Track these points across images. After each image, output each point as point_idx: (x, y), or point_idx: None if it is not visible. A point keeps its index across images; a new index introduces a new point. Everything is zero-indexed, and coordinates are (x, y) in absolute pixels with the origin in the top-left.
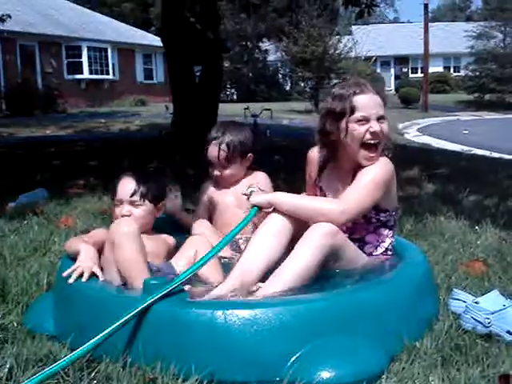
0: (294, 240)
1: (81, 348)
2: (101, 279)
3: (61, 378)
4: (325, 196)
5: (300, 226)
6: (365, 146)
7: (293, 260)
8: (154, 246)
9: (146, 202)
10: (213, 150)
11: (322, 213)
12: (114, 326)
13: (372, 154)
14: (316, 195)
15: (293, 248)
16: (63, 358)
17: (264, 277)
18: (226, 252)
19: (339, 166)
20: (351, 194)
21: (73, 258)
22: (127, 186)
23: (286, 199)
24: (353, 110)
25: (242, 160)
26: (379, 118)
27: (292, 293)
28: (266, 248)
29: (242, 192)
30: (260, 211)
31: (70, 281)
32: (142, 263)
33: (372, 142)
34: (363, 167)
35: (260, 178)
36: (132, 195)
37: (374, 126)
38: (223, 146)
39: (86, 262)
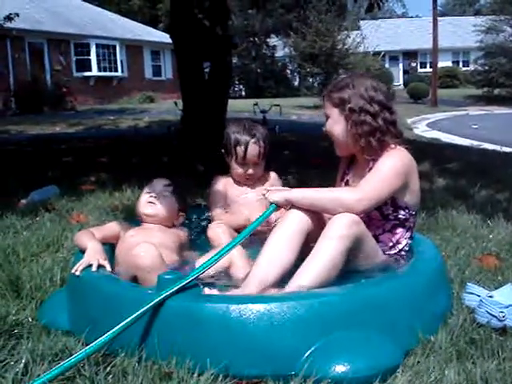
0: (310, 237)
1: (96, 342)
2: (107, 269)
3: (77, 372)
4: None
5: (316, 223)
6: None
7: (318, 253)
8: (163, 237)
9: (173, 199)
10: (254, 149)
11: (340, 201)
12: (128, 320)
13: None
14: None
15: (308, 247)
16: (78, 352)
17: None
18: None
19: (359, 159)
20: (368, 182)
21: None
22: (161, 181)
23: (303, 194)
24: None
25: (264, 158)
26: (325, 117)
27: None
28: (280, 254)
29: (262, 192)
30: (278, 209)
31: (77, 273)
32: None
33: None
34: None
35: (272, 178)
36: (165, 188)
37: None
38: (261, 144)
39: (93, 256)
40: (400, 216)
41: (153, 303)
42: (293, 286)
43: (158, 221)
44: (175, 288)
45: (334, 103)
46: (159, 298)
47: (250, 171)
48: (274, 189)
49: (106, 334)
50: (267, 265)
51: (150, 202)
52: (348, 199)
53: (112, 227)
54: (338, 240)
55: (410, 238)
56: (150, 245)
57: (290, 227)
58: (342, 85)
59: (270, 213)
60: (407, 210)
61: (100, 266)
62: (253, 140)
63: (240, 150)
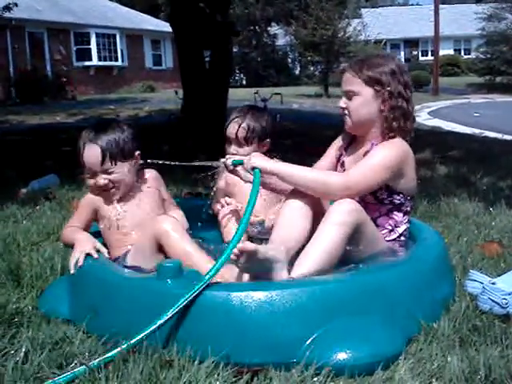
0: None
1: (120, 347)
2: (104, 252)
3: (77, 361)
4: (345, 171)
5: (314, 210)
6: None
7: (318, 239)
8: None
9: (119, 163)
10: (233, 127)
11: (325, 184)
12: (153, 326)
13: (345, 126)
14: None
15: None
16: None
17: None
18: None
19: (358, 143)
20: (357, 170)
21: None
22: (93, 154)
23: (287, 168)
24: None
25: (259, 144)
26: (346, 93)
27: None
28: (294, 226)
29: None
30: (262, 175)
31: (79, 264)
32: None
33: (342, 116)
34: (375, 146)
35: None
36: (102, 163)
37: (339, 102)
38: (244, 125)
39: (85, 243)
40: (395, 201)
41: (184, 301)
42: (294, 274)
43: (126, 189)
44: (202, 286)
45: (368, 82)
46: (186, 299)
47: (231, 151)
48: (258, 155)
49: (131, 341)
50: (286, 232)
51: (101, 187)
52: (334, 183)
53: (85, 207)
54: (339, 226)
55: (408, 222)
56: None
57: (296, 209)
58: (375, 64)
59: (259, 178)
60: (402, 195)
61: (97, 252)
62: (236, 119)
63: (225, 125)
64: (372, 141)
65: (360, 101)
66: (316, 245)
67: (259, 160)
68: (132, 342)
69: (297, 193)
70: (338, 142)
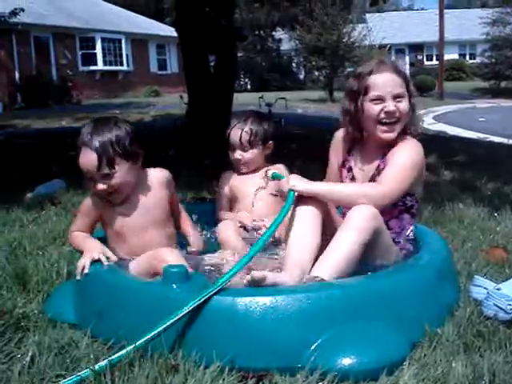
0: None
1: (126, 349)
2: (113, 259)
3: (83, 365)
4: (353, 177)
5: (324, 215)
6: (381, 124)
7: (337, 244)
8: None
9: (118, 165)
10: (235, 133)
11: (366, 196)
12: (159, 329)
13: (386, 128)
14: (341, 181)
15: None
16: (103, 361)
17: None
18: None
19: (367, 146)
20: (391, 177)
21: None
22: (88, 160)
23: (324, 186)
24: (367, 90)
25: (263, 147)
26: (396, 97)
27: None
28: (307, 245)
29: (262, 176)
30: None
31: (85, 271)
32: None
33: (387, 121)
34: (393, 147)
35: (278, 168)
36: (99, 169)
37: (389, 106)
38: (246, 129)
39: (94, 250)
40: (407, 202)
41: (186, 310)
42: (312, 277)
43: (128, 189)
44: (210, 292)
45: (406, 84)
46: (193, 304)
47: (236, 156)
48: (296, 176)
49: (134, 344)
50: (300, 249)
51: (102, 190)
52: (375, 195)
53: (89, 211)
54: (358, 232)
55: (413, 224)
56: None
57: (309, 215)
58: (399, 66)
59: (292, 200)
60: (413, 197)
61: (107, 258)
62: (238, 125)
63: (227, 133)
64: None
65: (406, 103)
66: (335, 250)
67: (297, 182)
68: (140, 342)
69: (303, 201)
70: (336, 150)
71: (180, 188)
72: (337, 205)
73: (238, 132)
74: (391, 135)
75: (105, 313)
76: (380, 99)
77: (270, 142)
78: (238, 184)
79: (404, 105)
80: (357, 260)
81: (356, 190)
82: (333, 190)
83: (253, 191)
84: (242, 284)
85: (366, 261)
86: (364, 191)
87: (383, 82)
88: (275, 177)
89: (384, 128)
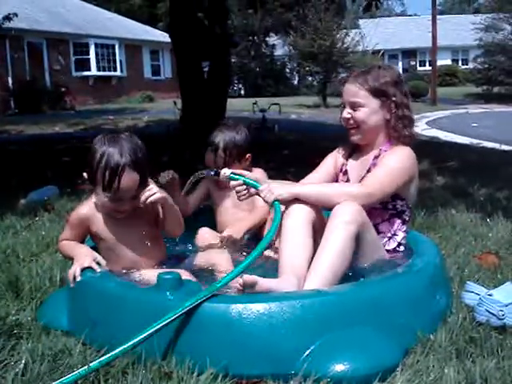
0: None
1: (112, 353)
2: (103, 265)
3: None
4: (348, 180)
5: (316, 215)
6: (347, 128)
7: (327, 243)
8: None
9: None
10: (209, 157)
11: (349, 195)
12: (145, 334)
13: (350, 132)
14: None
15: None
16: (93, 363)
17: None
18: None
19: (362, 151)
20: (375, 178)
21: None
22: (133, 181)
23: (310, 188)
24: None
25: (240, 161)
26: (352, 105)
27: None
28: (300, 244)
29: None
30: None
31: (77, 278)
32: None
33: (347, 126)
34: (385, 152)
35: (259, 172)
36: (136, 190)
37: (343, 113)
38: (219, 153)
39: (84, 257)
40: (397, 206)
41: (175, 316)
42: (309, 283)
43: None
44: (199, 300)
45: (374, 94)
46: (180, 311)
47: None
48: (277, 184)
49: (121, 347)
50: (295, 254)
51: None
52: (357, 194)
53: (78, 224)
54: (346, 226)
55: (406, 232)
56: None
57: (299, 218)
58: (380, 75)
59: (281, 212)
60: (404, 201)
61: (97, 264)
62: (210, 148)
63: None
64: (380, 147)
65: (366, 111)
66: (326, 250)
67: (280, 190)
68: (130, 343)
69: (292, 206)
70: (336, 155)
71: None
72: (321, 205)
73: (211, 156)
74: (354, 138)
75: (98, 320)
76: (343, 106)
77: (248, 154)
78: (217, 197)
79: (360, 114)
80: (350, 256)
81: (339, 189)
82: (316, 191)
83: (231, 206)
84: (235, 290)
85: (355, 258)
86: (347, 191)
87: (344, 90)
88: (232, 178)
89: (349, 132)
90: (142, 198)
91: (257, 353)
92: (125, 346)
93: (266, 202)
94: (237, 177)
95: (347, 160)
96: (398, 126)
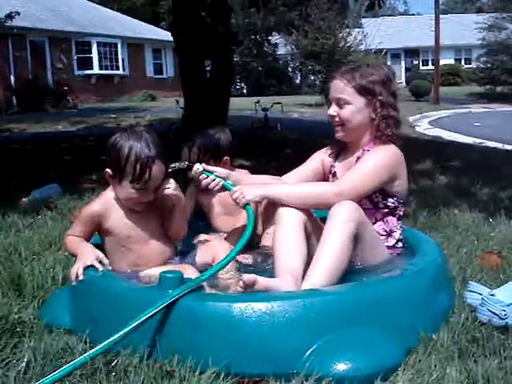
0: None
1: (100, 345)
2: (106, 264)
3: (79, 371)
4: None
5: (308, 216)
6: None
7: (326, 244)
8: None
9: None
10: (184, 153)
11: (321, 195)
12: (134, 324)
13: (336, 133)
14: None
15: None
16: (81, 356)
17: None
18: None
19: (348, 151)
20: (348, 178)
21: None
22: (161, 172)
23: (278, 190)
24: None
25: (215, 162)
26: (338, 102)
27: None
28: (294, 244)
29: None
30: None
31: (80, 277)
32: None
33: (332, 122)
34: (367, 152)
35: (242, 174)
36: (163, 179)
37: (329, 109)
38: (194, 149)
39: (87, 255)
40: (389, 204)
41: (160, 307)
42: (309, 282)
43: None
44: (182, 292)
45: (360, 91)
46: (165, 302)
47: (190, 176)
48: (247, 187)
49: (110, 339)
50: (290, 256)
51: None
52: (327, 193)
53: (90, 219)
54: (344, 225)
55: (401, 227)
56: None
57: (291, 222)
58: (368, 73)
59: (253, 215)
60: (395, 198)
61: (100, 263)
62: (185, 144)
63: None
64: (364, 147)
65: (352, 109)
66: (324, 250)
67: (250, 192)
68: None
69: (283, 206)
70: (325, 154)
71: None
72: (294, 206)
73: (186, 152)
74: (339, 135)
75: (100, 318)
76: (330, 103)
77: (226, 157)
78: (205, 202)
79: (345, 111)
80: (349, 255)
81: (311, 190)
82: (287, 192)
83: (222, 212)
84: (236, 289)
85: (355, 257)
86: (318, 191)
87: (332, 86)
88: (204, 173)
89: (334, 128)
90: (167, 189)
91: (259, 352)
92: (107, 342)
93: (238, 204)
94: (208, 174)
95: (335, 161)
96: (381, 126)
